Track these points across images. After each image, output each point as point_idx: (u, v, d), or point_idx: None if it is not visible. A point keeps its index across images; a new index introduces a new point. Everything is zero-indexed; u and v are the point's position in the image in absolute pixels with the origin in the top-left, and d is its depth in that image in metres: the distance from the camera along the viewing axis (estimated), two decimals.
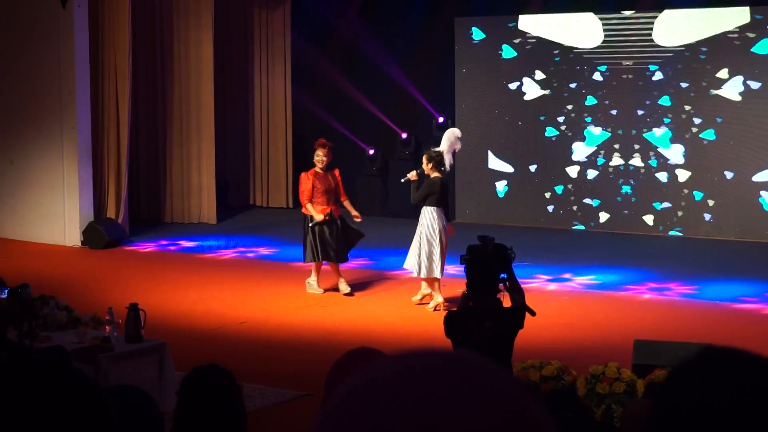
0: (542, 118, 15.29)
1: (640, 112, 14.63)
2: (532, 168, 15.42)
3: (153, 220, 15.79)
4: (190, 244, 14.08)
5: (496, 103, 15.63)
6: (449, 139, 10.36)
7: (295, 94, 17.26)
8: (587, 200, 15.05)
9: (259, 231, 15.08)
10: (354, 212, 10.57)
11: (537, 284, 11.25)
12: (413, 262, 10.15)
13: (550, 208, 15.32)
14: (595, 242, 14.08)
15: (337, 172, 10.75)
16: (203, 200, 15.97)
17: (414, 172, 10.26)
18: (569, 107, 15.10)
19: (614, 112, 14.81)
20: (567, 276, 11.74)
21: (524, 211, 15.47)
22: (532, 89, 15.34)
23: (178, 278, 11.72)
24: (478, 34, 15.55)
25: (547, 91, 15.22)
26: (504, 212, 15.59)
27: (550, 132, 15.28)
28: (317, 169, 10.58)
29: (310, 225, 10.57)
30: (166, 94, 15.94)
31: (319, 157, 10.56)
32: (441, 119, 15.95)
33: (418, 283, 10.44)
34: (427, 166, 10.16)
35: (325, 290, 10.82)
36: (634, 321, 9.70)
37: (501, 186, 15.61)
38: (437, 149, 10.24)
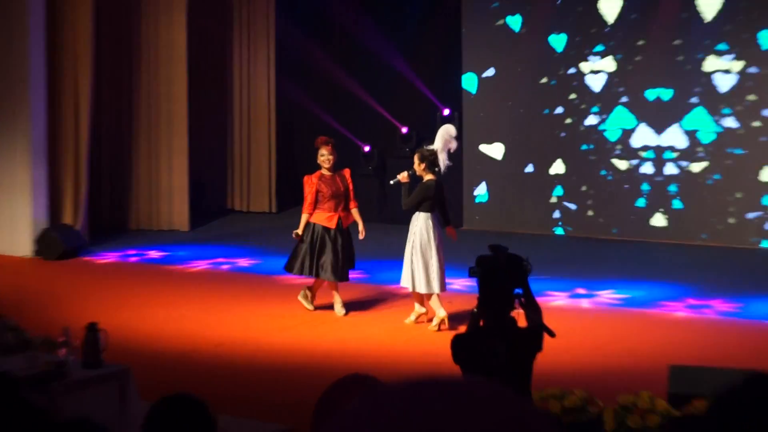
0: (561, 109, 15.28)
1: (677, 103, 14.60)
2: (550, 167, 15.39)
3: (116, 226, 15.76)
4: (159, 254, 14.05)
5: (509, 92, 15.60)
6: (443, 137, 10.39)
7: (280, 83, 17.25)
8: (613, 204, 15.02)
9: (238, 239, 15.05)
10: (360, 225, 10.54)
11: (557, 301, 11.22)
12: (407, 276, 10.15)
13: (572, 213, 15.29)
14: (624, 252, 14.04)
15: (347, 172, 10.73)
16: (174, 204, 15.94)
17: (405, 173, 10.26)
18: (591, 97, 15.07)
19: (647, 102, 14.79)
20: (591, 291, 11.71)
21: (541, 218, 15.44)
22: (550, 77, 15.32)
23: (145, 293, 11.69)
24: (513, 23, 15.51)
25: (568, 79, 15.20)
26: (518, 218, 15.56)
27: (571, 126, 15.25)
28: (323, 170, 10.59)
29: (293, 233, 10.56)
30: (133, 83, 15.92)
31: (324, 156, 10.57)
32: (446, 111, 15.94)
33: (419, 299, 10.40)
34: (419, 167, 10.18)
35: (317, 308, 10.79)
36: (669, 343, 9.66)
37: (481, 190, 15.65)
38: (430, 147, 10.27)
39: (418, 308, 10.35)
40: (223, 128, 17.55)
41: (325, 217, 10.51)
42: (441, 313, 10.15)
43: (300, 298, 10.81)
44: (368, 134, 16.58)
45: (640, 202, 14.86)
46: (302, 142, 17.88)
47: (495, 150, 15.75)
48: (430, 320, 10.25)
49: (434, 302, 10.21)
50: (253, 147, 17.46)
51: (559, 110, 15.27)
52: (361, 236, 10.56)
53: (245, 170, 17.49)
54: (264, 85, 17.29)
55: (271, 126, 17.34)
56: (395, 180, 10.41)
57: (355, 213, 10.66)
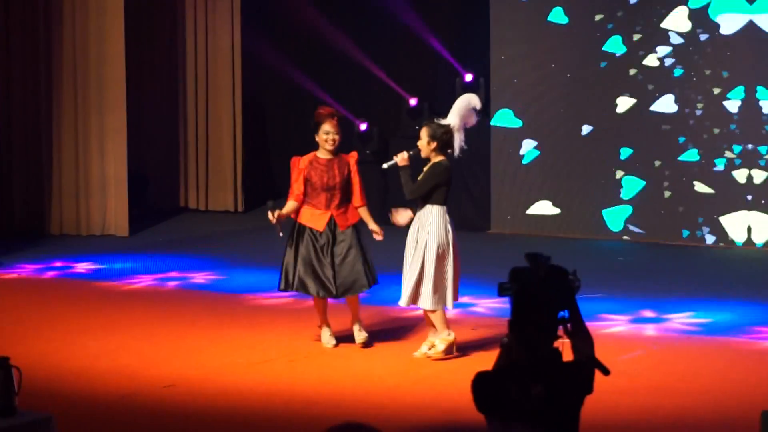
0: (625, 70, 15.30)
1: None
2: (610, 148, 15.39)
3: (33, 231, 15.76)
4: (90, 266, 14.06)
5: (551, 53, 15.60)
6: (461, 109, 10.35)
7: (247, 40, 17.25)
8: (692, 199, 15.03)
9: (193, 247, 15.05)
10: (372, 225, 10.45)
11: (613, 327, 11.24)
12: (412, 290, 10.11)
13: (634, 211, 15.29)
14: (702, 263, 14.06)
15: (352, 158, 10.61)
16: (109, 202, 15.95)
17: (405, 154, 10.22)
18: (661, 57, 15.09)
19: (736, 72, 14.82)
20: (660, 314, 11.73)
21: (596, 217, 15.45)
22: (608, 18, 15.33)
23: (71, 319, 11.71)
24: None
25: (634, 37, 15.23)
26: (565, 218, 15.57)
27: (635, 96, 15.27)
28: (321, 152, 10.52)
29: (269, 208, 10.45)
30: (53, 41, 15.92)
31: (329, 135, 10.48)
32: (468, 77, 15.94)
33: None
34: (427, 147, 10.14)
35: (336, 341, 10.71)
36: (761, 382, 9.69)
37: (527, 147, 15.63)
38: (444, 122, 10.24)
39: (433, 333, 10.34)
40: (174, 101, 17.55)
41: (312, 216, 10.48)
42: (449, 334, 10.15)
43: (323, 340, 10.75)
44: (365, 108, 16.59)
45: (731, 202, 14.83)
46: (277, 119, 17.90)
47: (533, 129, 15.74)
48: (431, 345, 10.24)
49: (439, 319, 10.18)
50: (213, 126, 17.45)
51: (622, 78, 15.23)
52: (378, 237, 10.43)
53: (202, 156, 17.48)
54: (227, 42, 17.29)
55: (236, 98, 17.34)
56: (391, 162, 10.34)
57: (363, 213, 10.55)
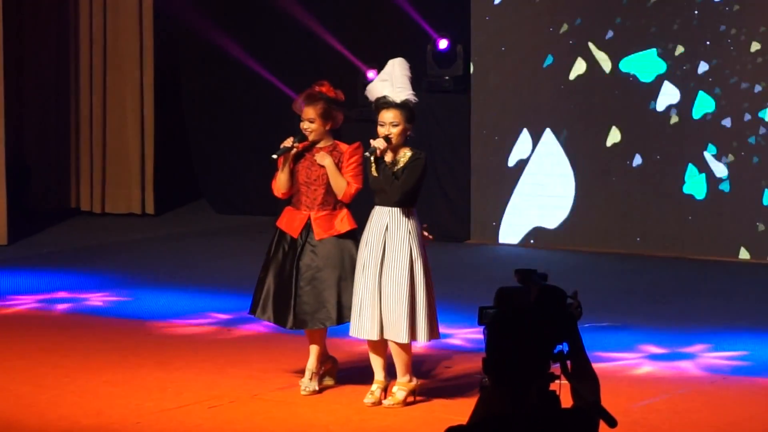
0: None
1: None
2: (622, 136, 15.45)
3: None
4: None
5: (554, 11, 15.61)
6: (407, 76, 10.41)
7: None
8: (732, 205, 15.10)
9: (88, 260, 15.03)
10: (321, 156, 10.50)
11: (628, 364, 11.27)
12: (406, 320, 10.05)
13: (657, 217, 15.34)
14: (744, 283, 14.13)
15: (348, 147, 10.60)
16: None
17: (382, 140, 10.18)
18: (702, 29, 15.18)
19: None
20: (689, 350, 11.76)
21: (605, 224, 15.48)
22: None
23: None
24: None
25: None
26: (562, 225, 15.59)
27: (659, 67, 15.34)
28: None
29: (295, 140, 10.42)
30: None
31: (302, 123, 10.56)
32: (443, 44, 15.94)
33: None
34: (404, 133, 10.13)
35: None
36: None
37: (519, 136, 15.65)
38: (402, 97, 10.24)
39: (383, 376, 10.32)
40: (63, 71, 17.50)
41: (290, 218, 10.47)
42: (412, 380, 10.13)
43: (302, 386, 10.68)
44: (310, 81, 16.56)
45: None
46: (198, 95, 17.83)
47: (527, 112, 15.74)
48: (385, 391, 10.19)
49: (410, 357, 10.16)
50: (114, 103, 17.41)
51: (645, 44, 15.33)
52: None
53: (99, 143, 17.44)
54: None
55: (145, 66, 17.30)
56: (371, 149, 10.31)
57: (340, 222, 10.48)
